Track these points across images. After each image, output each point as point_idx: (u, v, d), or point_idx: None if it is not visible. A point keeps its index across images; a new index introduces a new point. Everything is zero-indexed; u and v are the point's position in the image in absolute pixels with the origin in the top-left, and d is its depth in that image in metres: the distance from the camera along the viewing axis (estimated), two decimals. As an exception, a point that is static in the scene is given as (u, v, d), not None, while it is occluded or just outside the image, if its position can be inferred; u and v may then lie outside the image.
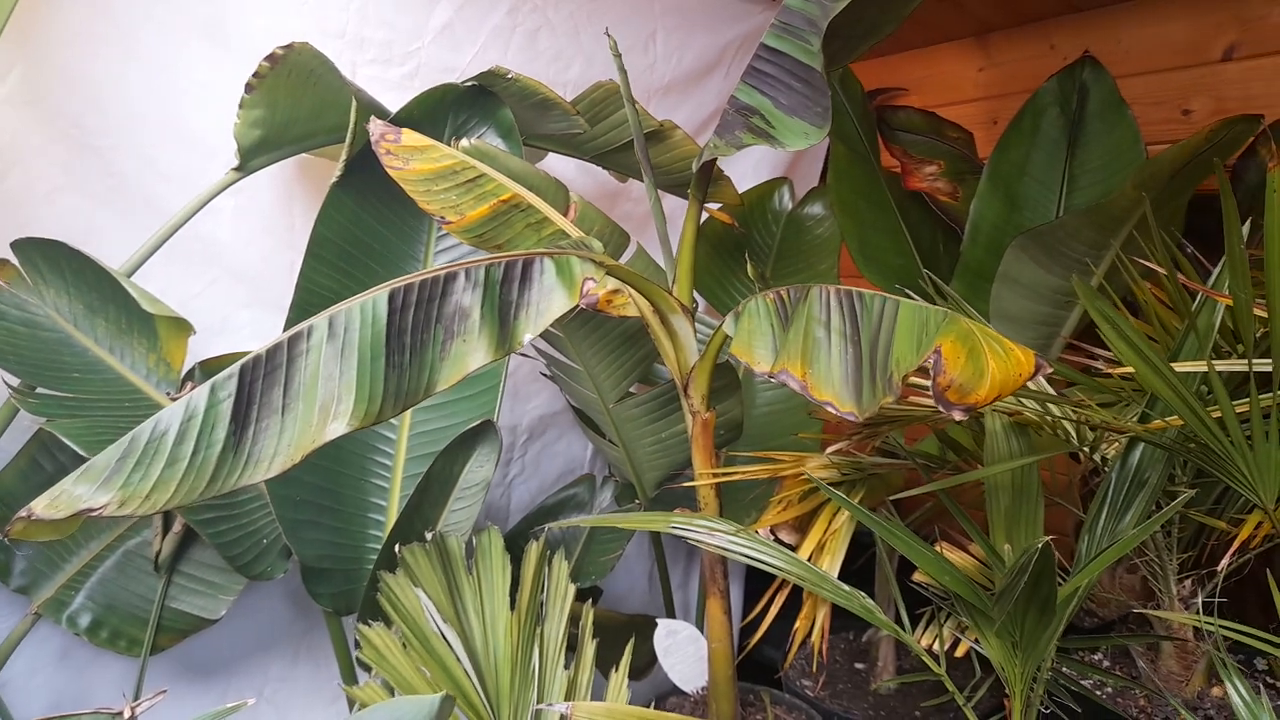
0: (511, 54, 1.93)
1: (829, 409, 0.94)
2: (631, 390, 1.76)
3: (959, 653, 1.19)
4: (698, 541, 1.14)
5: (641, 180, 2.04)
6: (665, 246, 1.36)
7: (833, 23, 0.97)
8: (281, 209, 1.76)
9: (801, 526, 1.35)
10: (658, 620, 1.61)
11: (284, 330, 1.52)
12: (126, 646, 1.50)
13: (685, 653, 1.61)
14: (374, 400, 0.95)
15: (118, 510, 0.83)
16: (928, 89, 2.51)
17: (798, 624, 1.34)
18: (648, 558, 2.33)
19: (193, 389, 1.42)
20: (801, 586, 1.17)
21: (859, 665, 1.83)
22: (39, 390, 1.36)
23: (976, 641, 1.12)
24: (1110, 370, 1.17)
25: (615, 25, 2.09)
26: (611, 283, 1.17)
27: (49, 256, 1.39)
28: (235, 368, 0.93)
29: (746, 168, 2.34)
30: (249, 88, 1.44)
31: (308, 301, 1.54)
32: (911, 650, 1.11)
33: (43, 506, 0.81)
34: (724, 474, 1.32)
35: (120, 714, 1.25)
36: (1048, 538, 0.86)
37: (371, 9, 1.76)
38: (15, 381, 1.35)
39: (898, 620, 1.22)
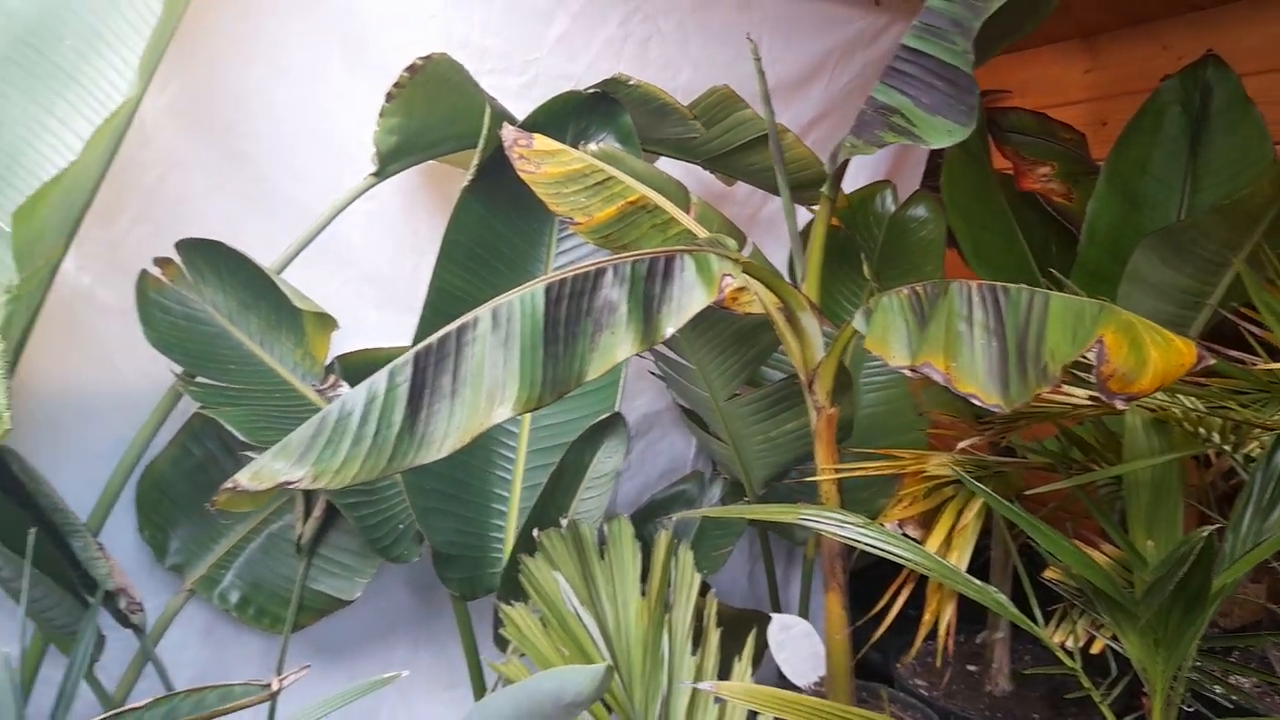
0: (624, 62, 1.99)
1: (974, 401, 0.96)
2: (736, 391, 1.79)
3: (1094, 650, 1.19)
4: (830, 534, 1.16)
5: (748, 183, 2.08)
6: (795, 245, 1.39)
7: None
8: (407, 215, 1.85)
9: (925, 522, 1.36)
10: (771, 615, 1.64)
11: (418, 327, 1.61)
12: (270, 624, 1.59)
13: (799, 647, 1.63)
14: (534, 387, 1.01)
15: (311, 484, 0.90)
16: (1031, 91, 2.49)
17: (924, 618, 1.35)
18: (748, 556, 2.35)
19: (335, 381, 1.51)
20: (927, 580, 1.18)
21: (971, 667, 1.82)
22: (199, 379, 1.46)
23: (1114, 638, 1.12)
24: (1256, 366, 1.16)
25: (721, 34, 2.14)
26: (740, 280, 1.20)
27: (208, 256, 1.49)
28: (410, 355, 0.99)
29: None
30: (389, 96, 1.53)
31: (440, 300, 1.61)
32: (1025, 653, 1.11)
33: (247, 479, 0.88)
34: (848, 469, 1.35)
35: (268, 686, 1.33)
36: (1210, 528, 0.86)
37: (494, 21, 1.84)
38: (177, 371, 1.45)
39: (1027, 617, 1.23)
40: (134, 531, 1.57)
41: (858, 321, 1.18)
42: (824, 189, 1.29)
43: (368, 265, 1.81)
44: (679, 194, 1.55)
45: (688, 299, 1.12)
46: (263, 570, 1.58)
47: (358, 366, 1.65)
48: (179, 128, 1.61)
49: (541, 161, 1.49)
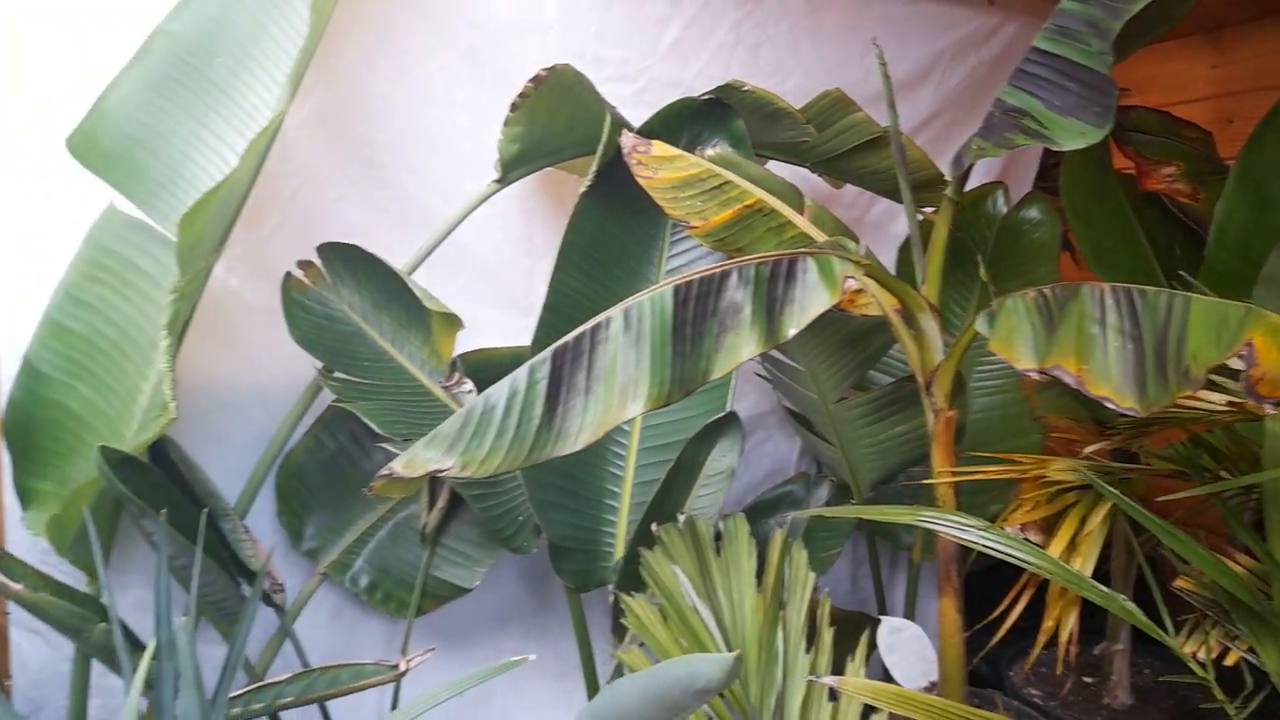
0: (734, 68, 2.02)
1: (1107, 404, 0.96)
2: (843, 395, 1.80)
3: (1228, 662, 1.16)
4: (952, 536, 1.16)
5: (856, 186, 2.08)
6: (916, 247, 1.39)
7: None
8: (523, 220, 1.92)
9: (1047, 528, 1.35)
10: (880, 617, 1.64)
11: (537, 327, 1.67)
12: (396, 608, 1.67)
13: (908, 651, 1.63)
14: (664, 385, 1.04)
15: (460, 472, 0.96)
16: (1153, 88, 2.41)
17: (1045, 625, 1.33)
18: (850, 559, 2.34)
19: (460, 378, 1.58)
20: (1046, 587, 1.17)
21: (1088, 679, 1.78)
22: (337, 374, 1.55)
23: (1250, 651, 1.09)
24: None
25: (831, 37, 2.14)
26: (860, 282, 1.22)
27: (345, 258, 1.58)
28: (548, 352, 1.04)
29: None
30: (514, 106, 1.59)
31: (558, 301, 1.67)
32: (1145, 666, 1.09)
33: (401, 466, 0.94)
34: (966, 472, 1.34)
35: (396, 667, 1.41)
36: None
37: (610, 31, 1.89)
38: (319, 365, 1.55)
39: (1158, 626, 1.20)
40: (273, 517, 1.68)
41: (980, 324, 1.18)
42: (947, 191, 1.29)
43: (485, 268, 1.89)
44: (793, 197, 1.57)
45: (810, 301, 1.14)
46: (390, 557, 1.66)
47: (476, 364, 1.73)
48: (316, 140, 1.71)
49: (659, 167, 1.53)
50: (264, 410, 1.68)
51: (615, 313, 1.08)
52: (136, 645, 1.33)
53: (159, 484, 1.33)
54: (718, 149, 1.66)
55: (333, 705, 1.65)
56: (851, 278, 1.16)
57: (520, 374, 1.03)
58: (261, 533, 1.66)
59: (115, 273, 1.50)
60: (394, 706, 1.66)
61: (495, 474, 0.97)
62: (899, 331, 1.33)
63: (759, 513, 1.90)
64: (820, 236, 1.42)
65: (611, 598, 1.61)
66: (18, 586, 1.24)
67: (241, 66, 1.55)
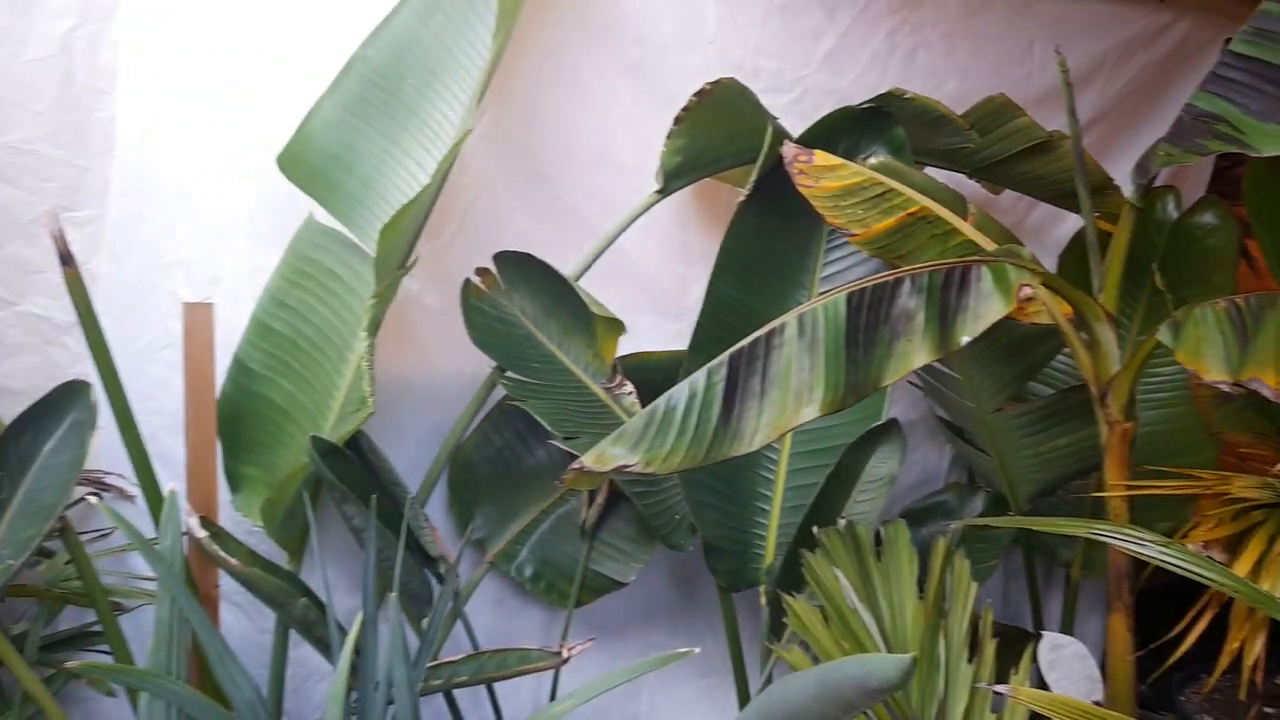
0: (890, 75, 2.02)
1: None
2: (999, 405, 1.77)
3: None
4: (1130, 551, 1.14)
5: (1016, 191, 2.04)
6: (1094, 254, 1.37)
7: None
8: (678, 229, 1.97)
9: (1230, 548, 1.29)
10: (1041, 632, 1.61)
11: (694, 332, 1.72)
12: (557, 599, 1.75)
13: (1071, 669, 1.59)
14: (837, 390, 1.07)
15: (644, 469, 1.01)
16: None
17: (1228, 647, 1.28)
18: (1001, 573, 2.29)
19: (621, 381, 1.65)
20: (1229, 609, 1.13)
21: (1269, 709, 1.69)
22: (509, 374, 1.64)
23: None
24: None
25: (991, 40, 2.11)
26: (1035, 289, 1.21)
27: (519, 266, 1.68)
28: (725, 356, 1.09)
29: (1122, 178, 2.25)
30: (678, 120, 1.65)
31: (714, 307, 1.72)
32: None
33: (591, 461, 1.01)
34: (1142, 487, 1.31)
35: (558, 654, 1.48)
36: None
37: (766, 43, 1.93)
38: (494, 365, 1.65)
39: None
40: (445, 509, 1.79)
41: (1164, 334, 1.16)
42: (1130, 198, 1.27)
43: (642, 274, 1.95)
44: (957, 204, 1.56)
45: (984, 308, 1.15)
46: (552, 549, 1.75)
47: (633, 367, 1.79)
48: (490, 154, 1.82)
49: (821, 176, 1.56)
50: (439, 406, 1.80)
51: (790, 319, 1.12)
52: (330, 619, 1.45)
53: (358, 473, 1.45)
54: (877, 157, 1.67)
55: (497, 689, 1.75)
56: (1027, 285, 1.15)
57: (699, 376, 1.08)
58: (435, 521, 1.78)
59: (314, 278, 1.65)
60: (553, 692, 1.74)
61: (676, 471, 1.02)
62: (1072, 341, 1.31)
63: (910, 521, 1.89)
64: (987, 243, 1.41)
65: (763, 598, 1.64)
66: (234, 561, 1.38)
67: (428, 87, 1.67)
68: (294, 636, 1.59)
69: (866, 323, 1.12)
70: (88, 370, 1.48)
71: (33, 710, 1.32)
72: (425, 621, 1.37)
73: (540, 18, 1.80)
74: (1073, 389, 1.67)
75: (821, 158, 1.56)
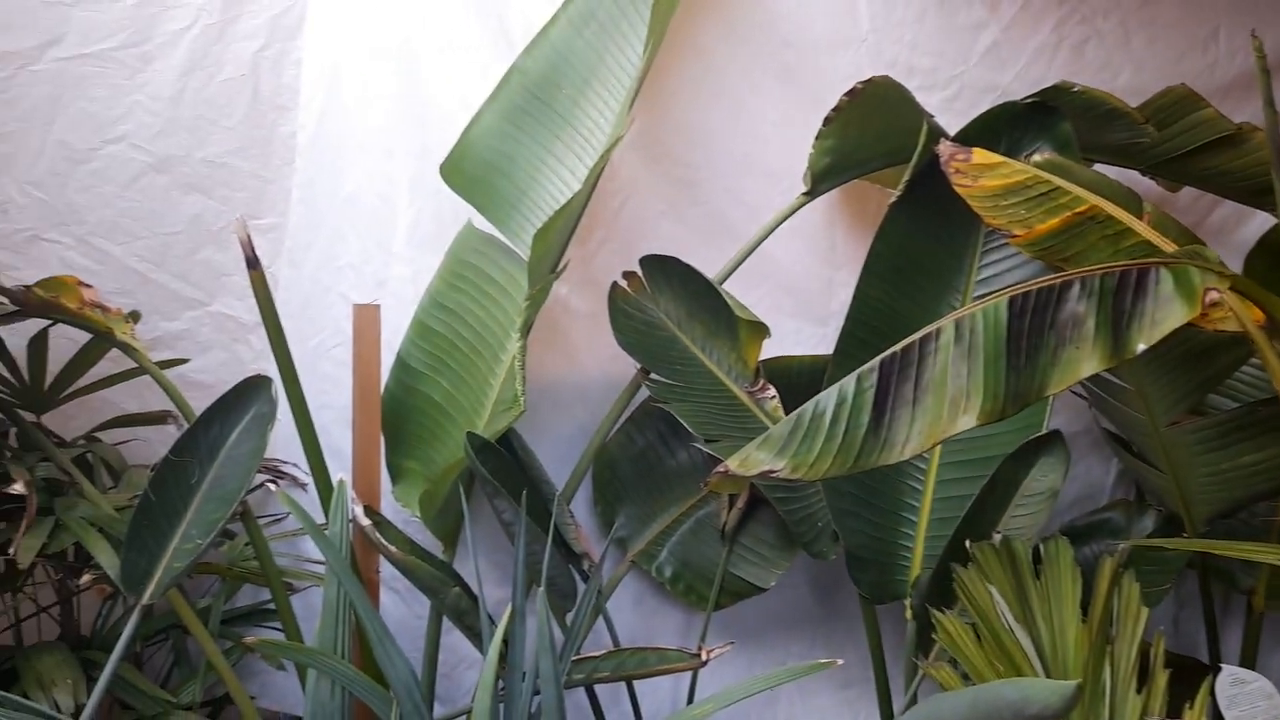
0: (1056, 68, 1.91)
1: None
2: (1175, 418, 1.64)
3: None
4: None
5: (1197, 188, 1.90)
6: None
7: None
8: (825, 230, 1.94)
9: None
10: (1220, 666, 1.48)
11: (839, 336, 1.69)
12: (695, 600, 1.76)
13: (1254, 707, 1.45)
14: (996, 399, 1.03)
15: (789, 474, 1.00)
16: None
17: None
18: (1172, 599, 2.13)
19: (764, 385, 1.63)
20: None
21: None
22: (653, 376, 1.66)
23: None
24: None
25: (1170, 27, 1.96)
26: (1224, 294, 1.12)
27: (664, 269, 1.69)
28: (876, 361, 1.06)
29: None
30: (827, 120, 1.62)
31: (861, 310, 1.68)
32: None
33: (735, 465, 1.01)
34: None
35: (697, 655, 1.48)
36: None
37: (922, 39, 1.87)
38: (638, 367, 1.68)
39: None
40: (590, 506, 1.83)
41: (1373, 345, 1.04)
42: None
43: (786, 277, 1.93)
44: (1131, 202, 1.47)
45: (1163, 314, 1.07)
46: (692, 551, 1.75)
47: (776, 371, 1.77)
48: (638, 161, 1.85)
49: (979, 174, 1.49)
50: (585, 407, 1.85)
51: (946, 323, 1.08)
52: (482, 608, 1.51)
53: (509, 469, 1.50)
54: (1041, 154, 1.59)
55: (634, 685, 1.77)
56: (1213, 289, 1.07)
57: (849, 382, 1.06)
58: (580, 518, 1.82)
59: (471, 281, 1.72)
60: (690, 694, 1.75)
61: (822, 478, 1.00)
62: (1263, 349, 1.20)
63: (1071, 539, 1.78)
64: (1166, 244, 1.31)
65: (909, 611, 1.59)
66: (394, 549, 1.46)
67: (581, 95, 1.72)
68: (446, 623, 1.66)
69: (1030, 328, 1.07)
70: (268, 367, 1.61)
71: (213, 679, 1.43)
72: (569, 616, 1.40)
73: (689, 25, 1.82)
74: (1262, 402, 1.54)
75: (980, 155, 1.50)
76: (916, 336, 1.07)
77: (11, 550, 1.24)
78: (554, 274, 1.60)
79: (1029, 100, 1.63)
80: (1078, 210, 1.41)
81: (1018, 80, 1.90)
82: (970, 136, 1.65)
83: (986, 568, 1.29)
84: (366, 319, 1.70)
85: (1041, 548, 1.30)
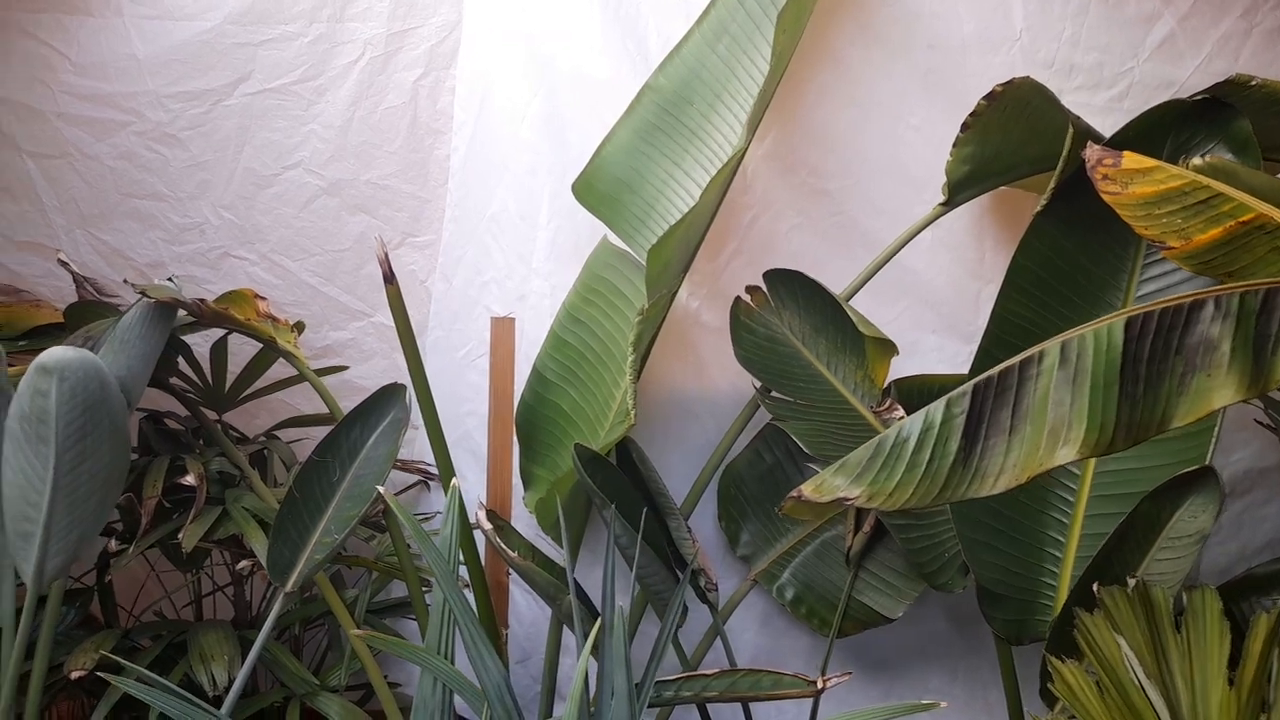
0: (1244, 59, 1.72)
1: None
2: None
3: None
4: None
5: None
6: None
7: None
8: (974, 241, 1.84)
9: None
10: None
11: (976, 355, 1.59)
12: (818, 625, 1.71)
13: None
14: (1104, 430, 0.94)
15: (866, 503, 0.96)
16: None
17: None
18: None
19: (892, 404, 1.57)
20: None
21: None
22: (773, 394, 1.64)
23: None
24: None
25: (1396, 4, 1.71)
26: None
27: (789, 284, 1.67)
28: (968, 386, 1.00)
29: None
30: (965, 126, 1.54)
31: (1000, 328, 1.57)
32: None
33: (810, 490, 0.98)
34: None
35: (814, 683, 1.44)
36: None
37: (1085, 35, 1.73)
38: (757, 384, 1.66)
39: None
40: (714, 520, 1.83)
41: None
42: None
43: (928, 291, 1.85)
44: (1314, 212, 1.28)
45: (1317, 341, 0.94)
46: (815, 574, 1.71)
47: (913, 390, 1.69)
48: (772, 173, 1.83)
49: (1129, 181, 1.36)
50: (713, 419, 1.85)
51: (1051, 346, 1.00)
52: (595, 615, 1.54)
53: (619, 480, 1.53)
54: (1211, 156, 1.42)
55: (756, 708, 1.75)
56: (1382, 314, 0.92)
57: (936, 407, 1.00)
58: (703, 535, 1.82)
59: (603, 295, 1.77)
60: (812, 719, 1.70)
61: (903, 508, 0.96)
62: None
63: (1250, 587, 1.58)
64: (1349, 260, 1.14)
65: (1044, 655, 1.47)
66: (514, 554, 1.52)
67: (712, 110, 1.72)
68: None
69: (1151, 352, 0.96)
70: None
71: (358, 665, 1.55)
72: (662, 623, 1.40)
73: (824, 31, 1.78)
74: None
75: (1131, 160, 1.36)
76: (1016, 360, 1.00)
77: (180, 535, 1.41)
78: (669, 291, 1.61)
79: (1198, 97, 1.47)
80: (1242, 219, 1.25)
81: (1198, 74, 1.72)
82: (1130, 139, 1.51)
83: (1116, 615, 1.17)
84: (502, 331, 1.79)
85: (1185, 597, 1.16)
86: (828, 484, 0.98)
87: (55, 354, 1.07)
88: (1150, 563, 1.27)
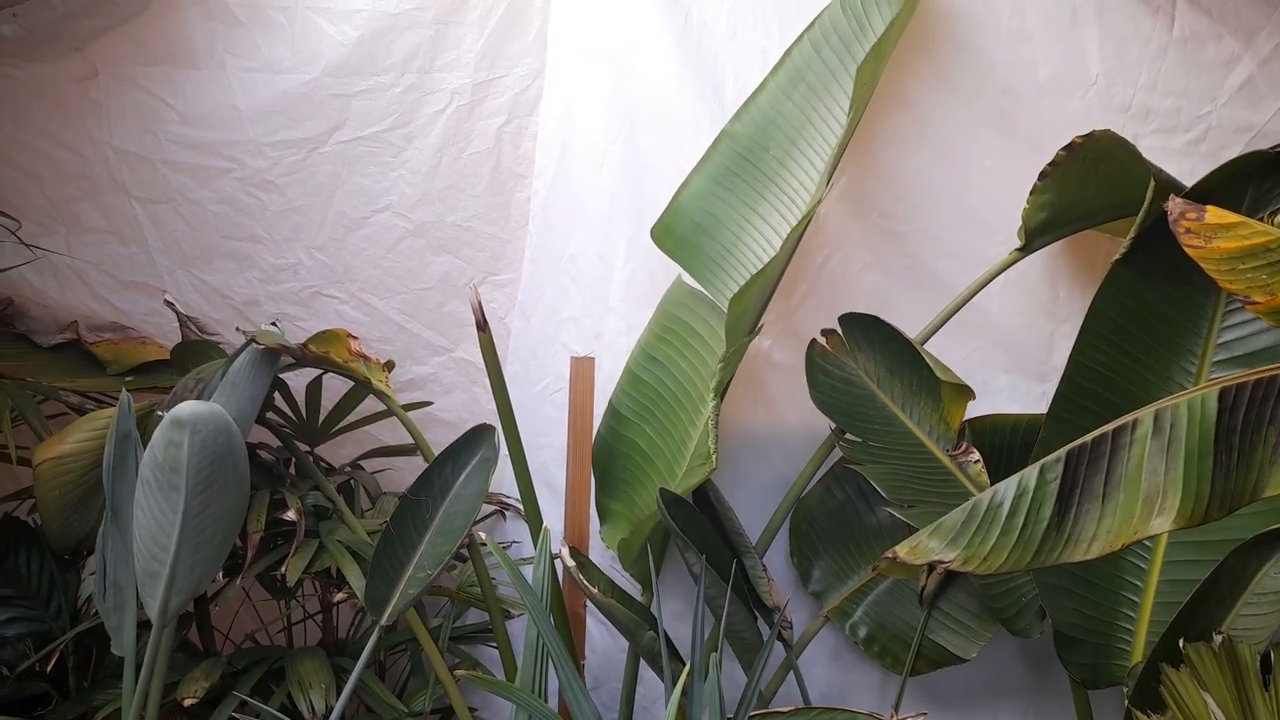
0: (1332, 103, 1.71)
1: None
2: None
3: None
4: None
5: None
6: None
7: None
8: (1048, 283, 1.85)
9: None
10: None
11: (1053, 399, 1.60)
12: (891, 663, 1.73)
13: None
14: (1199, 500, 0.96)
15: (960, 566, 0.99)
16: None
17: None
18: None
19: (967, 448, 1.59)
20: None
21: None
22: (848, 436, 1.67)
23: None
24: None
25: None
26: None
27: (864, 327, 1.70)
28: (1062, 452, 1.02)
29: None
30: (1043, 174, 1.56)
31: (1078, 373, 1.58)
32: None
33: (905, 552, 1.02)
34: None
35: (886, 720, 1.46)
36: None
37: (1161, 79, 1.74)
38: (833, 426, 1.69)
39: None
40: (786, 557, 1.86)
41: None
42: None
43: (1001, 330, 1.86)
44: (1404, 270, 1.29)
45: None
46: (887, 612, 1.73)
47: (986, 430, 1.72)
48: (845, 214, 1.86)
49: (1213, 235, 1.37)
50: (784, 456, 1.88)
51: (1145, 414, 1.02)
52: (674, 654, 1.59)
53: (700, 523, 1.58)
54: (1295, 210, 1.43)
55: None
56: None
57: (1030, 473, 1.03)
58: (776, 568, 1.85)
59: (679, 335, 1.82)
60: (884, 756, 1.72)
61: (998, 573, 0.99)
62: None
63: (1336, 640, 1.57)
64: None
65: (1126, 700, 1.48)
66: (595, 590, 1.57)
67: (788, 156, 1.76)
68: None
69: (1245, 422, 0.98)
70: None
71: (440, 691, 1.62)
72: (750, 672, 1.44)
73: (899, 76, 1.81)
74: None
75: (1214, 214, 1.37)
76: (1109, 428, 1.02)
77: (283, 569, 1.48)
78: (749, 336, 1.65)
79: (1278, 148, 1.48)
80: (1329, 278, 1.26)
81: (1278, 119, 1.72)
82: (1210, 190, 1.51)
83: (1202, 671, 1.18)
84: (582, 370, 1.85)
85: (1272, 654, 1.17)
86: (923, 546, 1.01)
87: (189, 408, 1.15)
88: (1235, 618, 1.28)
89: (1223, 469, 0.97)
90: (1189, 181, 1.55)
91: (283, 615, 1.81)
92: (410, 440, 1.71)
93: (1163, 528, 0.95)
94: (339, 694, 1.45)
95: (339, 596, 1.54)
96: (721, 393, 1.63)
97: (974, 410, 1.74)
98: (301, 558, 1.52)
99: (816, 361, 1.72)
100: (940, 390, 1.64)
